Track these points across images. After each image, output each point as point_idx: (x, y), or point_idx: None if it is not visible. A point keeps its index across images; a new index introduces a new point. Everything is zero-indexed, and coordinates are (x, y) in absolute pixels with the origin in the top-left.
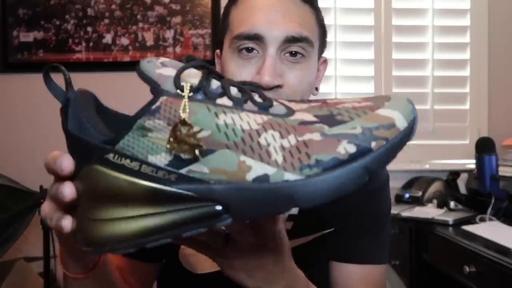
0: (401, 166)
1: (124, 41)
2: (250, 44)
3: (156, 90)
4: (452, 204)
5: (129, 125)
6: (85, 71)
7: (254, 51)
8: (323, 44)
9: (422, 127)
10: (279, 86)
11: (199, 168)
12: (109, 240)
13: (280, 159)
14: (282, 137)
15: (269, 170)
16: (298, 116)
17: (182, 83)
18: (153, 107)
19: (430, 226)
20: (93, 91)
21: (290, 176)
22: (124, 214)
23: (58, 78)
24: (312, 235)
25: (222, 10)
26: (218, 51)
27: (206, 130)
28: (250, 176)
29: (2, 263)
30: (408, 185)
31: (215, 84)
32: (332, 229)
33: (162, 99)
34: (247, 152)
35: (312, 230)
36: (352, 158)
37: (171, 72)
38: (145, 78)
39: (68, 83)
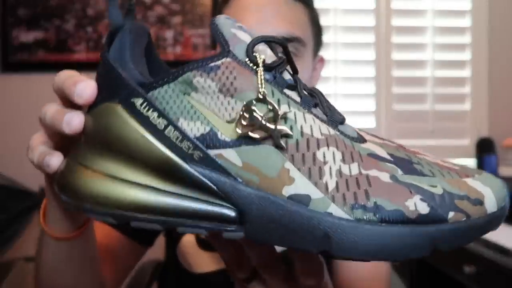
0: None
1: None
2: None
3: (223, 49)
4: None
5: (175, 75)
6: (85, 71)
7: None
8: (318, 43)
9: (422, 127)
10: None
11: (232, 157)
12: (94, 198)
13: (331, 185)
14: (344, 160)
15: (314, 192)
16: (370, 146)
17: (255, 54)
18: (212, 64)
19: None
20: None
21: (336, 210)
22: (123, 174)
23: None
24: None
25: None
26: (214, 52)
27: None
28: (288, 191)
29: (2, 263)
30: None
31: (287, 75)
32: None
33: (226, 60)
34: (295, 161)
35: None
36: (421, 220)
37: (246, 37)
38: (217, 33)
39: (130, 10)
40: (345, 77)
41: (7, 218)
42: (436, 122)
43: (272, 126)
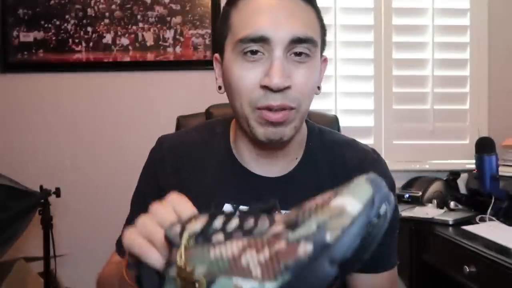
0: (401, 166)
1: (124, 41)
2: (255, 47)
3: (171, 246)
4: (452, 204)
5: (163, 277)
6: (85, 71)
7: (259, 53)
8: (323, 43)
9: (422, 127)
10: (287, 88)
11: None
12: None
13: (259, 273)
14: (258, 252)
15: (254, 284)
16: (273, 229)
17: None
18: (171, 260)
19: (430, 226)
20: (93, 91)
21: (270, 285)
22: None
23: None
24: None
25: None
26: (216, 55)
27: (205, 265)
28: None
29: (2, 263)
30: (408, 185)
31: (216, 222)
32: None
33: (174, 251)
34: (235, 274)
35: None
36: (314, 256)
37: (178, 229)
38: (168, 240)
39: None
40: (345, 75)
41: (7, 217)
42: (436, 122)
43: (193, 279)
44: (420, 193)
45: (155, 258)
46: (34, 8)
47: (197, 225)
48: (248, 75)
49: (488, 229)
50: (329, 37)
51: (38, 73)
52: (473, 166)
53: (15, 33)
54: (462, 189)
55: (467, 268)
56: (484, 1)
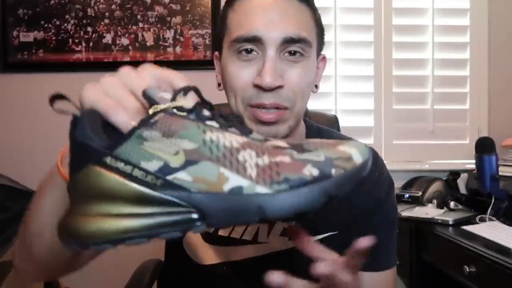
0: (401, 166)
1: (124, 41)
2: (249, 46)
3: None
4: (452, 204)
5: (128, 134)
6: (85, 71)
7: (254, 52)
8: (321, 42)
9: (422, 127)
10: (279, 87)
11: (184, 176)
12: (94, 235)
13: (254, 174)
14: (257, 156)
15: (244, 182)
16: (273, 142)
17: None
18: (152, 120)
19: (430, 226)
20: None
21: (261, 189)
22: (110, 211)
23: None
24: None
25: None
26: (216, 53)
27: (194, 143)
28: (226, 187)
29: (2, 263)
30: (408, 185)
31: (206, 112)
32: (335, 232)
33: (160, 115)
34: (226, 166)
35: (312, 233)
36: (315, 180)
37: (169, 95)
38: (150, 100)
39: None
40: (345, 75)
41: (7, 218)
42: (436, 122)
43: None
44: (420, 193)
45: (123, 117)
46: (34, 8)
47: (188, 101)
48: (242, 74)
49: (488, 229)
50: (329, 37)
51: (38, 73)
52: (473, 166)
53: (15, 33)
54: (462, 189)
55: (467, 268)
56: (484, 1)
